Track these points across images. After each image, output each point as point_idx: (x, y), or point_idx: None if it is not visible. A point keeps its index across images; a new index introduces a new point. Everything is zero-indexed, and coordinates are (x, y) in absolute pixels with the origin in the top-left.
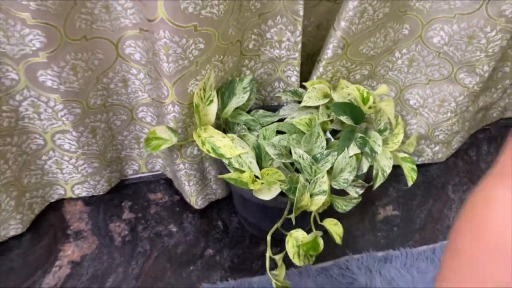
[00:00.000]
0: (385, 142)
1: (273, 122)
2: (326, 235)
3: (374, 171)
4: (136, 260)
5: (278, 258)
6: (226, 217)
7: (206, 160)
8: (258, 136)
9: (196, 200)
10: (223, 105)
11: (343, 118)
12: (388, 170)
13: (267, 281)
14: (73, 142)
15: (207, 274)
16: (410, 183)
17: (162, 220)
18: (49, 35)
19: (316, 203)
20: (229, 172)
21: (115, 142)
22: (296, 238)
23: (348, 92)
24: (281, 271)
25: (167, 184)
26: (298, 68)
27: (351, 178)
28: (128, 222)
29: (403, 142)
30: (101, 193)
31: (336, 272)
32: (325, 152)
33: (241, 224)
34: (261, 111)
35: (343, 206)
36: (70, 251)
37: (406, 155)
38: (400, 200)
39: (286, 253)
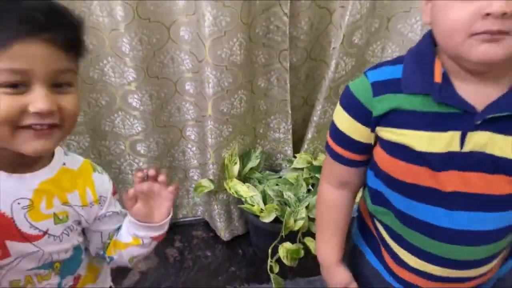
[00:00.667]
0: None
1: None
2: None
3: None
4: (183, 272)
5: (274, 262)
6: (244, 247)
7: (232, 204)
8: (264, 186)
9: (224, 234)
10: (242, 166)
11: (318, 175)
12: None
13: None
14: None
15: (230, 282)
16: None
17: (201, 248)
18: (138, 73)
19: (298, 225)
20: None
21: None
22: (285, 247)
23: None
24: (275, 268)
25: (205, 225)
26: (291, 145)
27: None
28: (178, 249)
29: None
30: None
31: (318, 284)
32: (305, 195)
33: (254, 252)
34: (267, 172)
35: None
36: (140, 265)
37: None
38: None
39: (282, 265)
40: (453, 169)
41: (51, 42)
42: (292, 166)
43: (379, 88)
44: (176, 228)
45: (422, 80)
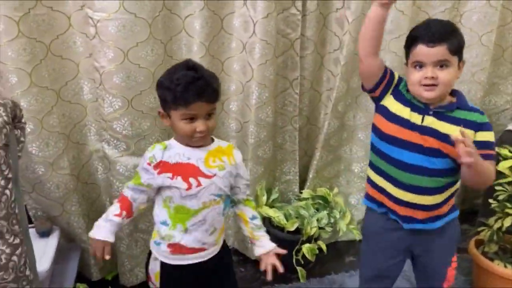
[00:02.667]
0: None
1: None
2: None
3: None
4: None
5: (300, 256)
6: None
7: None
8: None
9: (252, 254)
10: (267, 197)
11: (321, 202)
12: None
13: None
14: None
15: (262, 286)
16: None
17: (238, 266)
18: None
19: (313, 230)
20: (272, 225)
21: None
22: (306, 246)
23: (322, 193)
24: (300, 262)
25: (236, 252)
26: (298, 184)
27: (324, 223)
28: None
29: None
30: None
31: (326, 282)
32: (314, 213)
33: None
34: (283, 203)
35: (323, 234)
36: None
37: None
38: None
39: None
40: (417, 132)
41: (207, 101)
42: (302, 196)
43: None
44: None
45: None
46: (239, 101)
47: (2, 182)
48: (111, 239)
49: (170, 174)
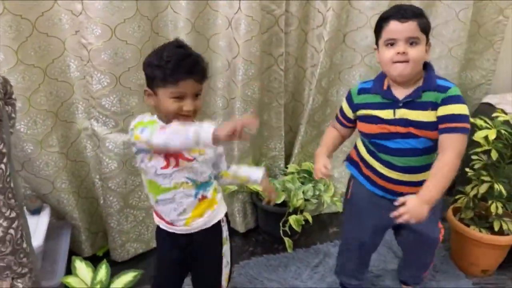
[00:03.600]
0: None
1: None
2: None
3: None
4: None
5: (284, 229)
6: (256, 236)
7: (247, 203)
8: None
9: (241, 227)
10: None
11: (306, 176)
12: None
13: (277, 258)
14: None
15: (251, 257)
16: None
17: None
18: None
19: (299, 202)
20: (260, 199)
21: None
22: (293, 217)
23: (307, 167)
24: (287, 232)
25: None
26: (283, 159)
27: (310, 195)
28: None
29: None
30: None
31: (311, 251)
32: (299, 186)
33: (263, 238)
34: (269, 178)
35: (309, 206)
36: None
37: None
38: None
39: (288, 242)
40: (393, 125)
41: (196, 79)
42: (288, 171)
43: (360, 91)
44: None
45: (378, 87)
46: (225, 78)
47: None
48: None
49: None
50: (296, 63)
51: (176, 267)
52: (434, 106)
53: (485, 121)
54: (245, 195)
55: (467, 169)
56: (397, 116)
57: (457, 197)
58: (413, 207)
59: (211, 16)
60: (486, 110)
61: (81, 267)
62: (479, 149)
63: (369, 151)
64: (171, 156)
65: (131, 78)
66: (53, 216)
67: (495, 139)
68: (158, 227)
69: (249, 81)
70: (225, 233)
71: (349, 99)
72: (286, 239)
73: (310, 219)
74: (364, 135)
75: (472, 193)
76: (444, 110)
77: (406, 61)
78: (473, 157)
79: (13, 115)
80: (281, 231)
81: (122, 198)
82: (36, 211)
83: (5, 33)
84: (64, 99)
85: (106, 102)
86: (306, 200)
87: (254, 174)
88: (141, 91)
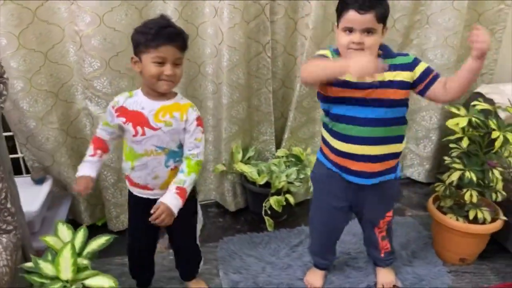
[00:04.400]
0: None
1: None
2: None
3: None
4: (205, 230)
5: (266, 209)
6: (245, 215)
7: (237, 184)
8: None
9: (231, 206)
10: (244, 155)
11: (293, 160)
12: None
13: (260, 236)
14: None
15: (236, 233)
16: None
17: (215, 217)
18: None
19: (281, 184)
20: (247, 180)
21: None
22: (274, 198)
23: (296, 152)
24: (268, 212)
25: (217, 205)
26: (274, 144)
27: (293, 178)
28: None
29: None
30: None
31: (294, 233)
32: (284, 169)
33: (252, 218)
34: (259, 161)
35: (292, 188)
36: None
37: None
38: None
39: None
40: (360, 88)
41: (176, 46)
42: (277, 155)
43: (335, 51)
44: None
45: None
46: (214, 64)
47: None
48: (92, 174)
49: (124, 119)
50: (285, 51)
51: (149, 232)
52: (403, 67)
53: (458, 108)
54: (234, 176)
55: (445, 157)
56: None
57: (436, 185)
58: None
59: (199, 5)
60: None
61: (63, 229)
62: (451, 137)
63: (330, 131)
64: (138, 125)
65: (120, 62)
66: (56, 186)
67: (471, 127)
68: (131, 195)
69: (234, 67)
70: (195, 192)
71: (323, 55)
72: (266, 218)
73: (292, 200)
74: (325, 100)
75: (448, 181)
76: (419, 69)
77: (361, 49)
78: (451, 145)
79: (4, 92)
80: (263, 211)
81: (116, 173)
82: (39, 181)
83: (7, 21)
84: (64, 81)
85: (97, 84)
86: (289, 183)
87: (167, 194)
88: (130, 74)
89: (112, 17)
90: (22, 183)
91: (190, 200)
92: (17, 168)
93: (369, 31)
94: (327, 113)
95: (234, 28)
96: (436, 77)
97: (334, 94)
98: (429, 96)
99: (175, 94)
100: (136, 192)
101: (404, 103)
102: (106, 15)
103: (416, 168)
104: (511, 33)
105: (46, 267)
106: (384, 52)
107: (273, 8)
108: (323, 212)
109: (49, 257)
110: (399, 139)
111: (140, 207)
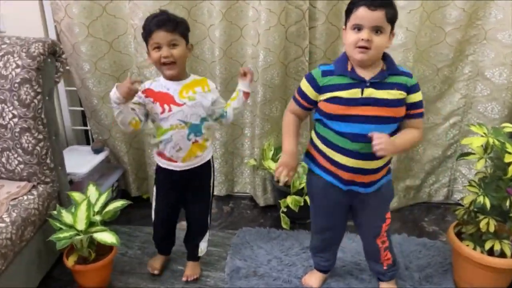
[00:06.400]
0: None
1: None
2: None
3: None
4: (231, 218)
5: (283, 208)
6: (273, 212)
7: (267, 180)
8: None
9: (260, 201)
10: (276, 153)
11: None
12: None
13: (278, 233)
14: None
15: (260, 226)
16: None
17: (244, 209)
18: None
19: (300, 185)
20: (273, 177)
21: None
22: (291, 197)
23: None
24: (284, 209)
25: (250, 198)
26: None
27: None
28: (231, 207)
29: None
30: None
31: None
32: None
33: (278, 215)
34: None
35: None
36: None
37: None
38: None
39: (286, 216)
40: (358, 105)
41: (166, 30)
42: None
43: (324, 73)
44: (230, 197)
45: (343, 69)
46: (251, 63)
47: (32, 94)
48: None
49: (152, 99)
50: (324, 56)
51: (173, 204)
52: (402, 87)
53: (479, 127)
54: (265, 172)
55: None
56: (364, 95)
57: (457, 208)
58: (386, 140)
59: (244, 8)
60: None
61: (92, 190)
62: (467, 157)
63: (323, 140)
64: (164, 103)
65: None
66: (111, 158)
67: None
68: (158, 167)
69: (268, 67)
70: (213, 169)
71: (312, 81)
72: (282, 215)
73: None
74: (323, 115)
75: (465, 205)
76: (414, 98)
77: (369, 48)
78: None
79: (61, 69)
80: (280, 209)
81: None
82: (97, 151)
83: (80, 13)
84: (126, 68)
85: (147, 72)
86: None
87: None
88: None
89: None
90: (84, 151)
91: (206, 179)
92: (88, 139)
93: (378, 29)
94: (329, 128)
95: (270, 30)
96: (420, 115)
97: (336, 112)
98: (404, 124)
99: (189, 74)
100: (164, 164)
101: (402, 119)
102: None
103: (467, 193)
104: None
105: (67, 217)
106: (389, 66)
107: (314, 14)
108: (321, 219)
109: (72, 209)
110: None
111: (167, 179)
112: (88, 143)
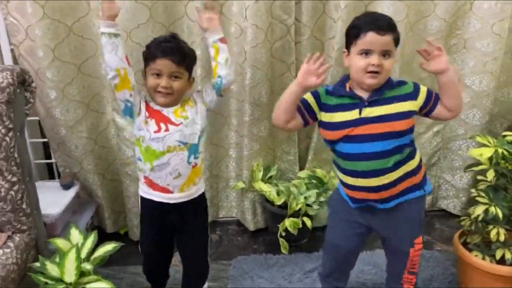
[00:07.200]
0: None
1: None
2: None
3: None
4: (222, 248)
5: (281, 231)
6: (264, 235)
7: (257, 202)
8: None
9: (250, 225)
10: (265, 173)
11: (315, 182)
12: None
13: (275, 259)
14: None
15: (252, 253)
16: None
17: (233, 235)
18: None
19: (298, 206)
20: (266, 200)
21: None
22: (290, 219)
23: (319, 174)
24: (282, 233)
25: (237, 222)
26: (297, 164)
27: (312, 201)
28: (219, 235)
29: None
30: None
31: (313, 257)
32: (305, 191)
33: (270, 239)
34: (281, 181)
35: (310, 211)
36: None
37: None
38: None
39: (285, 242)
40: (359, 125)
41: (171, 60)
42: (298, 175)
43: (328, 92)
44: (217, 224)
45: (341, 90)
46: (238, 82)
47: (3, 131)
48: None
49: (148, 113)
50: None
51: (164, 245)
52: (401, 98)
53: (484, 137)
54: (255, 194)
55: (472, 190)
56: (363, 115)
57: (462, 219)
58: (445, 57)
59: (225, 24)
60: None
61: (75, 233)
62: (476, 168)
63: (338, 167)
64: (161, 121)
65: None
66: (83, 192)
67: (501, 159)
68: (144, 200)
69: (256, 85)
70: (207, 202)
71: (316, 96)
72: (281, 240)
73: (309, 223)
74: (327, 141)
75: (473, 216)
76: (421, 97)
77: (379, 72)
78: (479, 177)
79: (31, 100)
80: (278, 233)
81: (137, 182)
82: (67, 186)
83: (44, 35)
84: (96, 92)
85: None
86: (308, 205)
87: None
88: None
89: (138, 33)
90: (52, 187)
91: (203, 215)
92: (52, 172)
93: (386, 53)
94: (333, 150)
95: (257, 47)
96: (437, 98)
97: (336, 137)
98: (434, 116)
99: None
100: (153, 195)
101: (409, 131)
102: (133, 31)
103: (451, 200)
104: None
105: (52, 269)
106: (385, 82)
107: (299, 29)
108: (336, 238)
109: (57, 259)
110: (409, 158)
111: (156, 215)
112: (52, 178)
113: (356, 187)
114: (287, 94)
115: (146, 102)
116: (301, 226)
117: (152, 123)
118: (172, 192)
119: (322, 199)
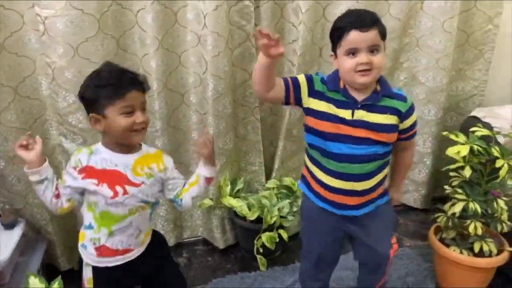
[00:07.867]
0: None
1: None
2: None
3: None
4: (192, 271)
5: (258, 246)
6: (235, 252)
7: (225, 219)
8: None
9: (219, 243)
10: (232, 188)
11: (285, 191)
12: None
13: (252, 276)
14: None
15: (225, 275)
16: None
17: (203, 256)
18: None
19: (273, 219)
20: (236, 215)
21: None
22: (266, 234)
23: (287, 182)
24: (260, 250)
25: (204, 242)
26: (264, 174)
27: (286, 212)
28: (186, 258)
29: None
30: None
31: (289, 269)
32: (276, 202)
33: (242, 255)
34: (249, 193)
35: (285, 223)
36: None
37: None
38: None
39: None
40: (349, 126)
41: (140, 90)
42: (267, 186)
43: (322, 81)
44: (182, 246)
45: (335, 85)
46: (198, 93)
47: None
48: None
49: (95, 181)
50: None
51: None
52: (395, 112)
53: (456, 135)
54: (223, 210)
55: (445, 187)
56: (355, 117)
57: (437, 215)
58: (398, 198)
59: (181, 32)
60: (473, 125)
61: (35, 283)
62: (453, 166)
63: (314, 162)
64: (116, 184)
65: None
66: (30, 230)
67: (473, 155)
68: (98, 274)
69: (219, 96)
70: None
71: (309, 80)
72: (259, 257)
73: (285, 236)
74: (311, 132)
75: (450, 212)
76: (409, 121)
77: (370, 69)
78: (451, 173)
79: None
80: (254, 249)
81: None
82: (9, 225)
83: None
84: (37, 116)
85: (72, 119)
86: (282, 217)
87: (202, 170)
88: None
89: (87, 47)
90: None
91: (164, 239)
92: None
93: (374, 49)
94: (317, 149)
95: (219, 56)
96: (413, 136)
97: (323, 129)
98: (393, 145)
99: (141, 144)
100: (109, 261)
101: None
102: (80, 45)
103: (411, 194)
104: (500, 54)
105: None
106: (382, 87)
107: None
108: (318, 248)
109: None
110: (387, 163)
111: (123, 276)
112: None
113: (338, 190)
114: (258, 67)
115: (84, 168)
116: (278, 239)
117: (105, 189)
118: (133, 250)
119: (295, 208)
